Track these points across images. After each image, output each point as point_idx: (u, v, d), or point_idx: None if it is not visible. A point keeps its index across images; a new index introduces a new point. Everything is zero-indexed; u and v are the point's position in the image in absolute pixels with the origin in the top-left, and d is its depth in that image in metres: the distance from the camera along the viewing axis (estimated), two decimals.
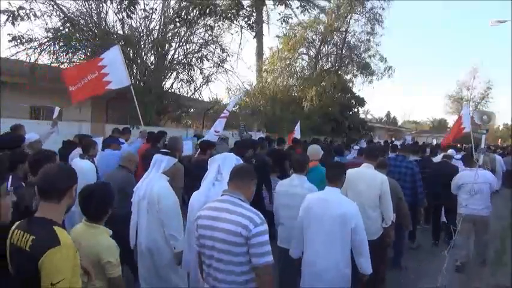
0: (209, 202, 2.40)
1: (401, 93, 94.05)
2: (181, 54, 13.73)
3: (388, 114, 53.30)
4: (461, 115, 8.33)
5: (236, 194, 2.24)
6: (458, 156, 7.95)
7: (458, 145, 13.57)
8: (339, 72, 21.59)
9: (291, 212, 3.22)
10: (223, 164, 2.95)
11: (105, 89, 5.87)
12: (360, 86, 22.73)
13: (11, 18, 9.77)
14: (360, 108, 24.27)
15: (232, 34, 15.43)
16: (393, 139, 22.30)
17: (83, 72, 5.84)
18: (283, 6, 18.87)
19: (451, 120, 49.46)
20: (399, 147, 7.44)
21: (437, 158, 8.09)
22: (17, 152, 3.54)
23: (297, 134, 11.88)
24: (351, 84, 22.42)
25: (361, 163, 4.13)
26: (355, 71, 22.00)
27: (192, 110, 15.46)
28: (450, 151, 8.57)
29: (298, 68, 22.04)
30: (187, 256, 3.06)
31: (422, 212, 5.72)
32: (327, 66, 22.30)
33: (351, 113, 22.54)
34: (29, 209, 2.22)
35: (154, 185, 3.17)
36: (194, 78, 13.95)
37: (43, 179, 1.87)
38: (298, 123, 12.79)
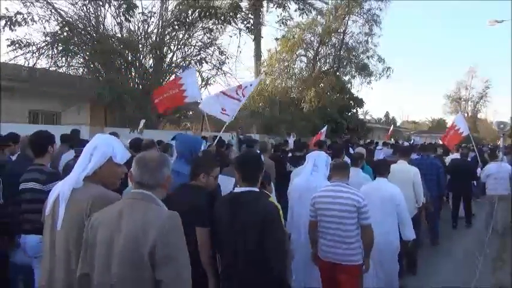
0: (321, 188, 3.45)
1: (400, 94, 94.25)
2: (180, 57, 13.77)
3: (386, 115, 53.40)
4: (456, 122, 9.51)
5: (343, 181, 3.36)
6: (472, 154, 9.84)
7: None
8: (337, 74, 21.62)
9: None
10: (317, 159, 4.04)
11: (183, 102, 7.27)
12: (358, 87, 22.77)
13: (8, 24, 9.78)
14: (358, 109, 24.32)
15: (231, 36, 15.48)
16: (402, 140, 22.32)
17: (165, 88, 7.43)
18: (281, 8, 18.95)
19: (449, 120, 49.70)
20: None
21: (448, 159, 9.10)
22: None
23: (322, 136, 12.06)
24: (349, 85, 22.46)
25: (394, 161, 5.24)
26: (353, 72, 22.01)
27: (191, 112, 15.49)
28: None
29: (296, 70, 22.10)
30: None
31: (445, 201, 7.25)
32: (325, 68, 22.33)
33: (349, 114, 22.56)
34: None
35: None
36: None
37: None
38: (325, 127, 13.24)
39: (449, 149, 10.31)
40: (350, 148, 8.64)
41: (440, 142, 18.18)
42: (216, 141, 6.66)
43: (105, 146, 2.00)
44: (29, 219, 2.98)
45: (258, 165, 2.57)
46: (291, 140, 11.66)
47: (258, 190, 2.51)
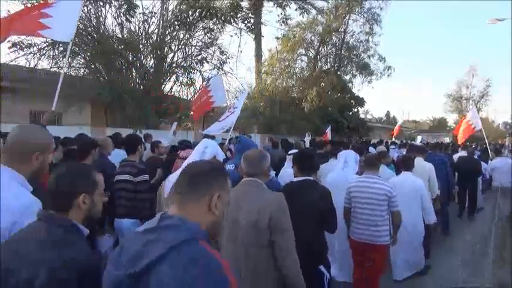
0: (353, 179, 4.02)
1: (401, 93, 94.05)
2: (181, 57, 13.77)
3: (387, 114, 53.31)
4: (471, 116, 10.24)
5: (375, 174, 3.89)
6: (478, 153, 10.66)
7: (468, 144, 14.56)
8: (338, 73, 21.60)
9: None
10: (347, 156, 4.72)
11: (210, 106, 7.86)
12: (359, 86, 22.76)
13: None
14: (359, 108, 24.30)
15: (231, 36, 15.47)
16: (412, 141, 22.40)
17: (198, 98, 8.12)
18: (281, 8, 18.94)
19: (450, 119, 49.55)
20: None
21: (456, 156, 9.81)
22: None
23: (329, 136, 12.97)
24: (350, 85, 22.43)
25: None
26: (354, 71, 22.01)
27: (192, 112, 15.49)
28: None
29: (297, 69, 22.09)
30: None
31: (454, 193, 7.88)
32: (326, 67, 22.31)
33: (350, 113, 22.55)
34: None
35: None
36: (193, 81, 13.99)
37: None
38: (329, 127, 14.02)
39: (458, 143, 11.04)
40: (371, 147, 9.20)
41: (447, 140, 18.72)
42: (228, 140, 7.13)
43: (212, 147, 2.71)
44: (123, 204, 3.61)
45: (312, 159, 3.21)
46: (307, 139, 12.04)
47: (312, 179, 3.05)
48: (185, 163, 2.53)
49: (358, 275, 3.98)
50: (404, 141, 18.47)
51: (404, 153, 7.85)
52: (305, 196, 2.87)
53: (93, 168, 1.68)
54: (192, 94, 14.08)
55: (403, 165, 5.03)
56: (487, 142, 10.95)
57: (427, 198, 4.75)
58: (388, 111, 53.96)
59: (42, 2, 4.11)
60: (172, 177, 2.63)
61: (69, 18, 4.23)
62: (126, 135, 4.06)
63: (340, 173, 4.59)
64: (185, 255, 1.08)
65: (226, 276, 1.11)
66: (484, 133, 10.27)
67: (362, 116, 27.11)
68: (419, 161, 5.68)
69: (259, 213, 2.16)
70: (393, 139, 19.51)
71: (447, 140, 22.22)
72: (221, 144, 6.99)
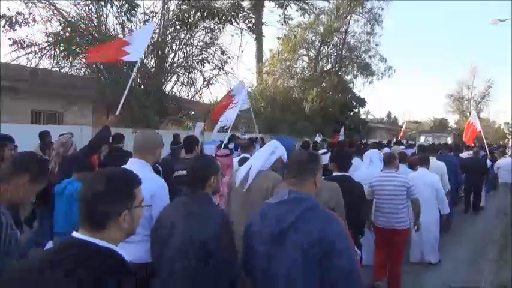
0: (376, 175, 4.48)
1: (402, 93, 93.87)
2: (182, 57, 13.76)
3: (388, 115, 53.15)
4: (473, 120, 11.25)
5: (393, 170, 4.44)
6: (482, 153, 11.09)
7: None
8: (339, 73, 21.58)
9: None
10: (372, 155, 5.30)
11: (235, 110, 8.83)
12: (360, 87, 22.77)
13: (7, 26, 9.76)
14: (360, 108, 24.27)
15: (232, 36, 15.47)
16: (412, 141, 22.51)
17: (224, 105, 8.81)
18: (283, 7, 18.94)
19: (451, 119, 49.47)
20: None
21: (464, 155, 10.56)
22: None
23: (341, 137, 13.58)
24: (351, 85, 22.42)
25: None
26: (355, 72, 21.99)
27: (193, 112, 15.50)
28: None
29: (298, 70, 22.09)
30: None
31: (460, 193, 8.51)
32: (327, 67, 22.30)
33: (351, 113, 22.52)
34: None
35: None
36: (194, 81, 13.99)
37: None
38: (342, 128, 14.76)
39: (471, 144, 11.98)
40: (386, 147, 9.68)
41: (449, 141, 19.25)
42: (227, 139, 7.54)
43: (281, 148, 3.10)
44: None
45: (350, 158, 3.66)
46: (319, 139, 12.36)
47: (348, 174, 3.54)
48: (255, 161, 3.03)
49: (379, 259, 4.45)
50: (413, 142, 18.70)
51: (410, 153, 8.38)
52: (349, 188, 3.26)
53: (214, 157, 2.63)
54: (193, 94, 14.10)
55: (420, 162, 5.58)
56: (485, 142, 11.68)
57: (442, 192, 5.31)
58: (389, 112, 53.77)
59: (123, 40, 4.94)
60: (240, 172, 3.10)
61: (142, 41, 4.80)
62: (185, 136, 4.58)
63: (366, 170, 5.04)
64: (320, 212, 1.71)
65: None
66: (482, 134, 11.14)
67: (363, 116, 27.06)
68: (432, 159, 6.21)
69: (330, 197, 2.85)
70: (395, 139, 19.51)
71: (449, 140, 22.32)
72: (220, 145, 7.02)
